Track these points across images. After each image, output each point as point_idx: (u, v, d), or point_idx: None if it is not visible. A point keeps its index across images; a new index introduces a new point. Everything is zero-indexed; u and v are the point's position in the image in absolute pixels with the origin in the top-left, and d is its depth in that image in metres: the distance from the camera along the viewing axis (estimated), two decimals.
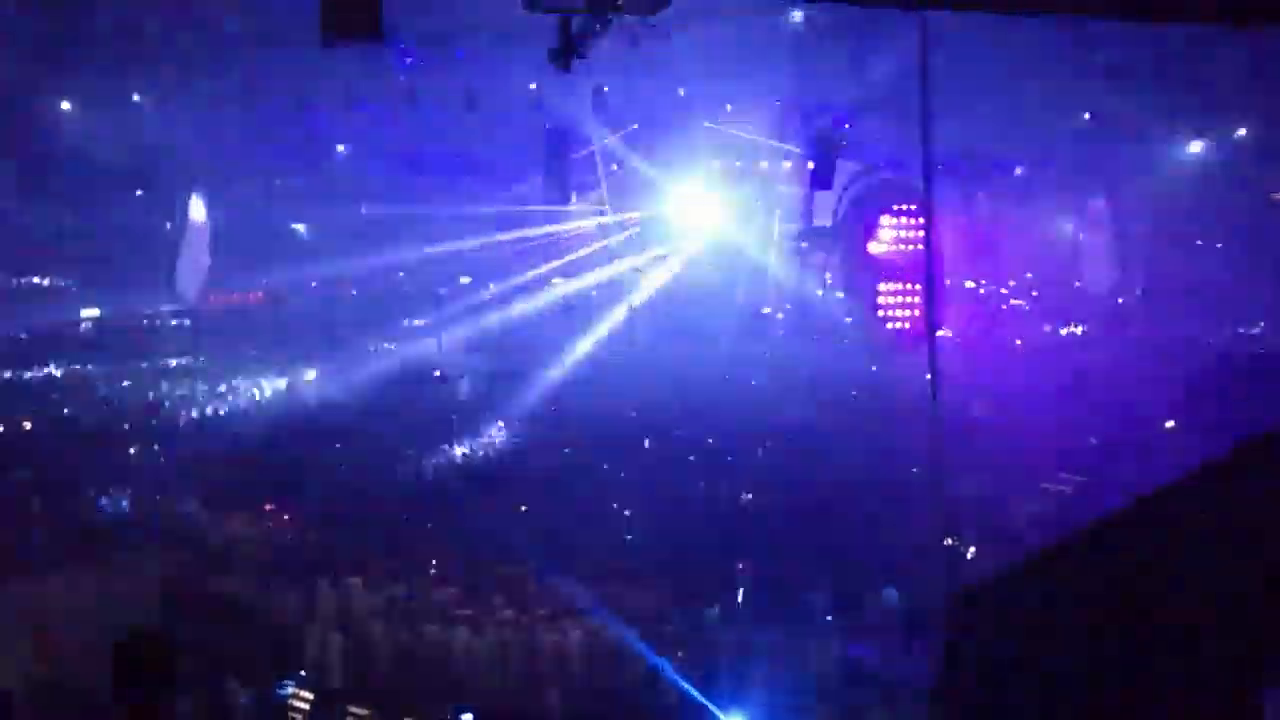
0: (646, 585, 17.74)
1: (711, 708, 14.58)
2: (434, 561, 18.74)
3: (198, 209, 35.46)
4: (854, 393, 32.59)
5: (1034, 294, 49.40)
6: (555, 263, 50.94)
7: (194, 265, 35.63)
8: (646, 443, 27.50)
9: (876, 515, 21.11)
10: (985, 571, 16.38)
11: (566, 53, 10.39)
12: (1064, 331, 43.38)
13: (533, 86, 31.92)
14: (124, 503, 21.66)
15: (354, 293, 53.49)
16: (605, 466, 26.26)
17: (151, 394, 33.55)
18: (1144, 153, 36.56)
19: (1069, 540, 4.89)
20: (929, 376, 14.32)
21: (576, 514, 22.02)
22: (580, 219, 51.83)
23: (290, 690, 15.24)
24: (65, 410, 31.03)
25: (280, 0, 29.89)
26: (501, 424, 30.18)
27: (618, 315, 44.89)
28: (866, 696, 15.15)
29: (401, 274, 54.06)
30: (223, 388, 34.19)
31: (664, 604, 16.97)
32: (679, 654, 15.45)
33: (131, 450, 26.52)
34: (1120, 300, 46.18)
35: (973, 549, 18.37)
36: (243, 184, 52.61)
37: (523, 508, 22.04)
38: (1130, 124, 34.32)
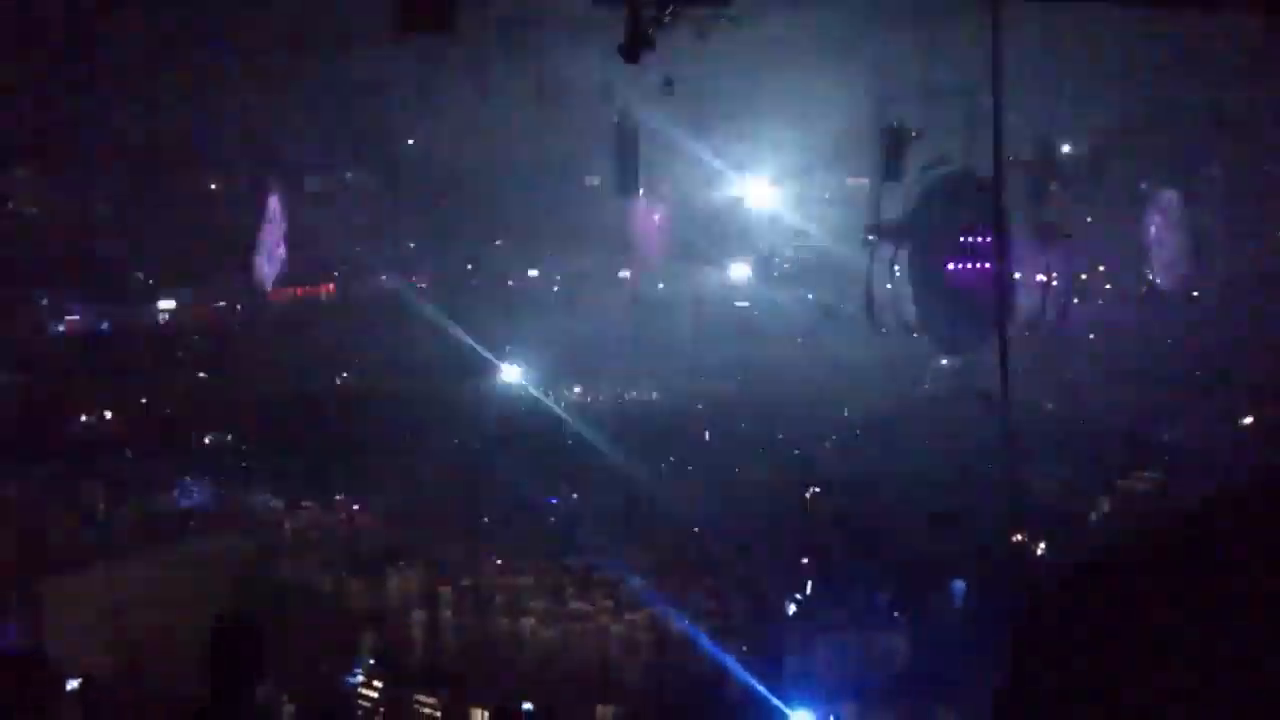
0: (713, 579, 17.67)
1: (776, 702, 14.52)
2: (505, 553, 18.80)
3: (275, 202, 35.98)
4: (925, 386, 32.27)
5: (1107, 287, 48.61)
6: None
7: (270, 258, 36.16)
8: (707, 435, 27.39)
9: (944, 510, 20.88)
10: (1056, 568, 16.14)
11: (635, 45, 10.35)
12: (1137, 325, 42.56)
13: (601, 79, 31.98)
14: (201, 492, 22.03)
15: (422, 286, 54.16)
16: (672, 460, 26.25)
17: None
18: (1218, 143, 35.82)
19: (1145, 538, 4.80)
20: (999, 370, 14.11)
21: (644, 506, 22.03)
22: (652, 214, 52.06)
23: (360, 678, 15.40)
24: (144, 400, 31.60)
25: None
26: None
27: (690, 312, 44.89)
28: (931, 694, 15.01)
29: (469, 266, 54.49)
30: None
31: (731, 597, 16.89)
32: (745, 647, 15.39)
33: (207, 440, 26.95)
34: (1195, 294, 45.27)
35: (1043, 545, 18.10)
36: (318, 177, 53.45)
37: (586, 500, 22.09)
38: (1202, 113, 33.63)
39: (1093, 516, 20.88)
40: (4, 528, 18.51)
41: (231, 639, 4.76)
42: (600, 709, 14.95)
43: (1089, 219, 40.95)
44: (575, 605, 16.76)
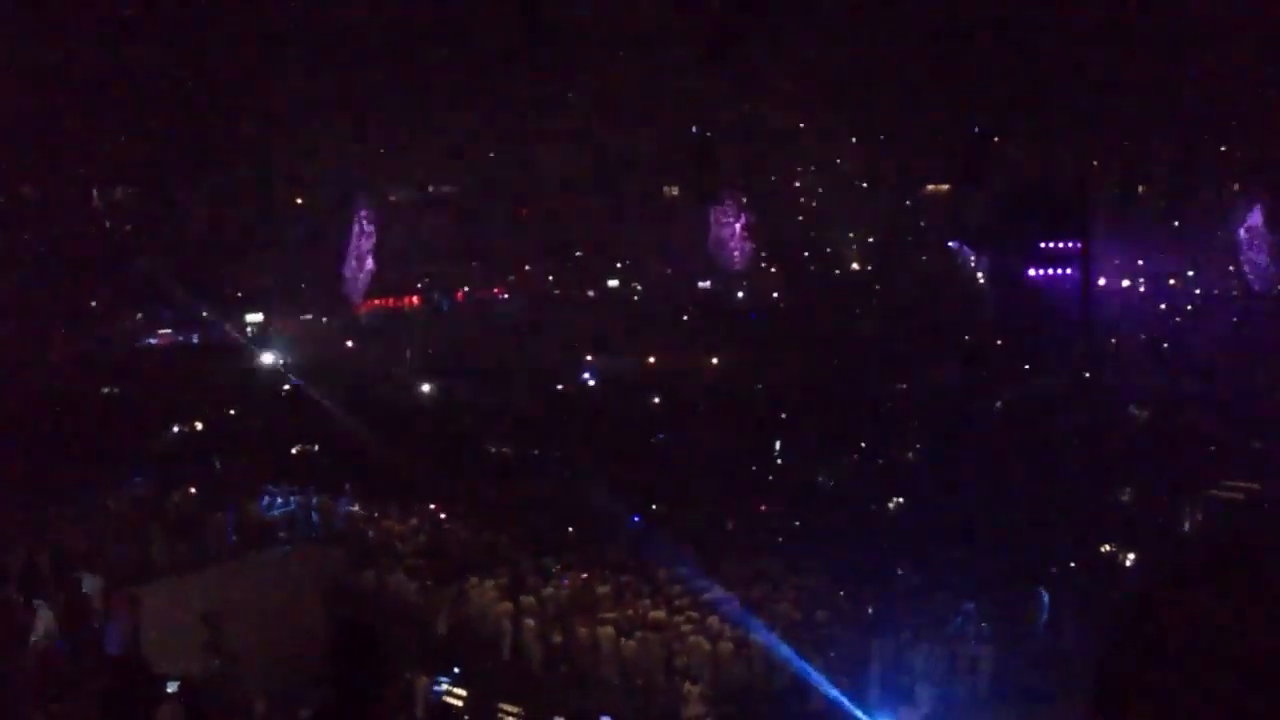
0: (796, 587, 17.61)
1: (859, 714, 14.42)
2: (585, 562, 18.91)
3: (362, 216, 36.59)
4: (1009, 394, 31.88)
5: (1196, 292, 47.61)
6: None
7: (357, 271, 36.76)
8: (777, 445, 27.28)
9: (1034, 519, 20.62)
10: (1148, 579, 15.86)
11: (716, 52, 10.42)
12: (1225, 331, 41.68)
13: (678, 86, 32.15)
14: (289, 501, 22.43)
15: (505, 297, 54.64)
16: (754, 468, 26.24)
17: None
18: None
19: (1237, 549, 4.72)
20: (1086, 376, 13.94)
21: (723, 513, 22.05)
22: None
23: (444, 687, 15.57)
24: (233, 411, 32.28)
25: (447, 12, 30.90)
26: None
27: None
28: (1021, 704, 14.81)
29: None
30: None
31: (814, 605, 16.82)
32: (827, 657, 15.31)
33: (295, 450, 27.46)
34: None
35: (1132, 555, 17.78)
36: (398, 192, 54.27)
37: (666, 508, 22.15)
38: None
39: (1184, 526, 20.45)
40: (103, 537, 19.01)
41: (352, 647, 4.87)
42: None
43: (1176, 222, 40.15)
44: (655, 614, 16.76)
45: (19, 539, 18.56)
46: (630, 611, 16.92)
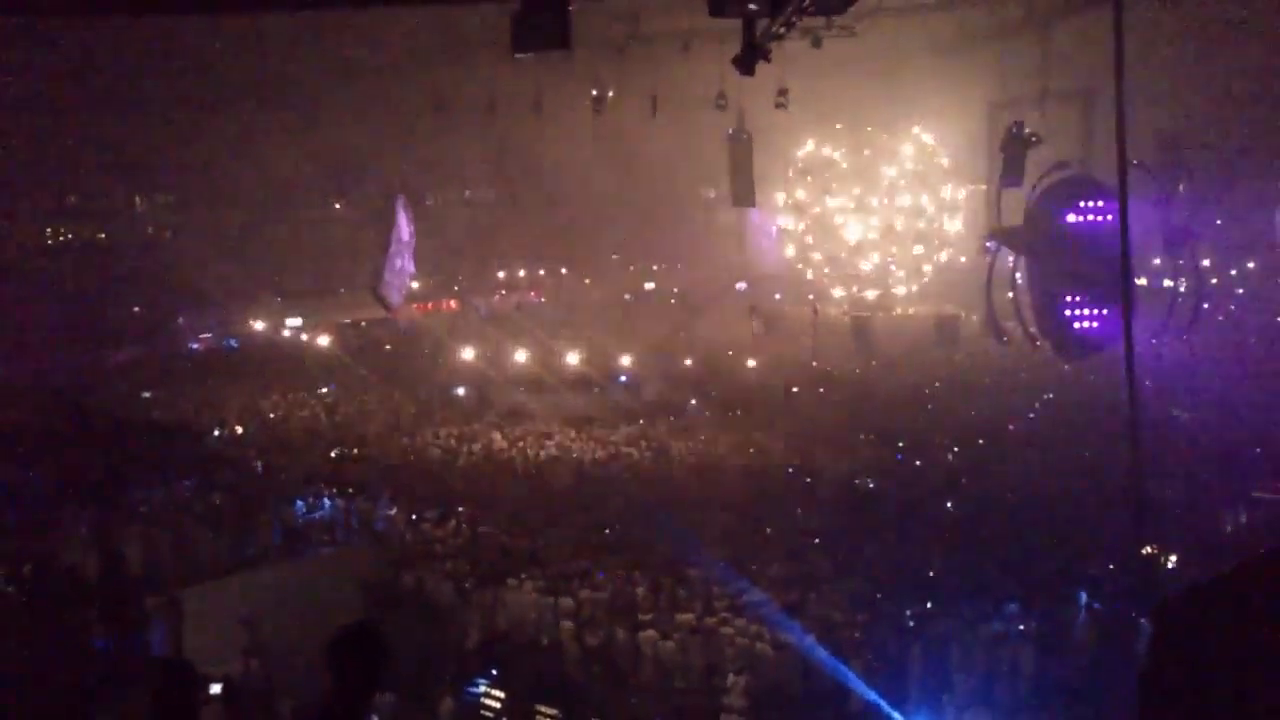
0: (832, 589, 17.56)
1: (897, 717, 14.37)
2: (621, 563, 18.93)
3: (402, 221, 36.78)
4: (1048, 394, 31.65)
5: (1239, 291, 47.06)
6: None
7: (396, 276, 36.97)
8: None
9: (1072, 521, 20.47)
10: (1189, 582, 15.70)
11: (750, 56, 10.40)
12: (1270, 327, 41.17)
13: (715, 91, 32.13)
14: (328, 503, 22.62)
15: (541, 300, 54.86)
16: (789, 469, 26.17)
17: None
18: None
19: None
20: (1126, 377, 13.81)
21: (758, 515, 22.01)
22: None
23: (482, 689, 15.64)
24: (272, 415, 32.57)
25: (470, 16, 31.04)
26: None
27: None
28: (1061, 709, 14.71)
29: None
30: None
31: (850, 608, 16.76)
32: (867, 661, 15.26)
33: (334, 454, 27.67)
34: None
35: (1174, 557, 17.59)
36: (437, 194, 54.62)
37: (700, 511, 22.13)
38: None
39: (1227, 528, 20.22)
40: (146, 539, 19.25)
41: (353, 645, 4.94)
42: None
43: (1219, 221, 39.63)
44: (688, 616, 16.77)
45: (65, 543, 18.89)
46: (669, 614, 16.94)
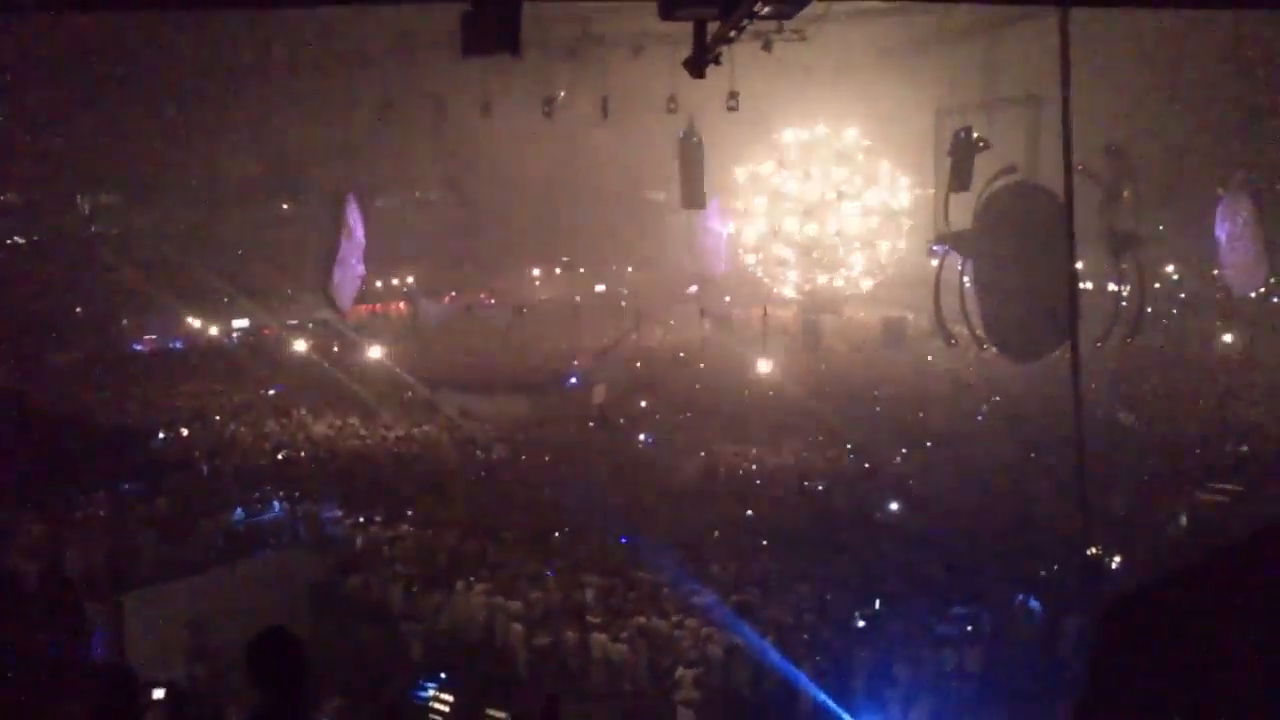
0: (784, 592, 17.62)
1: (847, 717, 14.43)
2: (573, 565, 18.90)
3: (353, 221, 36.46)
4: (995, 398, 31.98)
5: (1181, 296, 47.83)
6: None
7: (347, 277, 36.67)
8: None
9: (1019, 522, 20.69)
10: (1132, 582, 15.91)
11: (701, 59, 10.41)
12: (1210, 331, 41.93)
13: (666, 94, 32.20)
14: (274, 507, 22.39)
15: (491, 302, 54.64)
16: (741, 472, 26.25)
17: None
18: None
19: (1226, 551, 4.73)
20: (1073, 381, 13.97)
21: (711, 519, 22.05)
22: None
23: (431, 692, 15.53)
24: (217, 418, 32.20)
25: (419, 16, 30.87)
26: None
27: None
28: (1006, 710, 14.83)
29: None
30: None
31: (801, 612, 16.83)
32: (816, 663, 15.31)
33: (280, 456, 27.41)
34: (1277, 300, 44.42)
35: (1118, 558, 17.83)
36: (389, 197, 54.24)
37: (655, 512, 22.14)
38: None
39: (1170, 529, 20.53)
40: (88, 543, 18.95)
41: (269, 651, 4.90)
42: None
43: (1160, 226, 40.16)
44: (641, 620, 16.75)
45: (5, 547, 18.54)
46: (619, 616, 16.92)
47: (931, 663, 15.34)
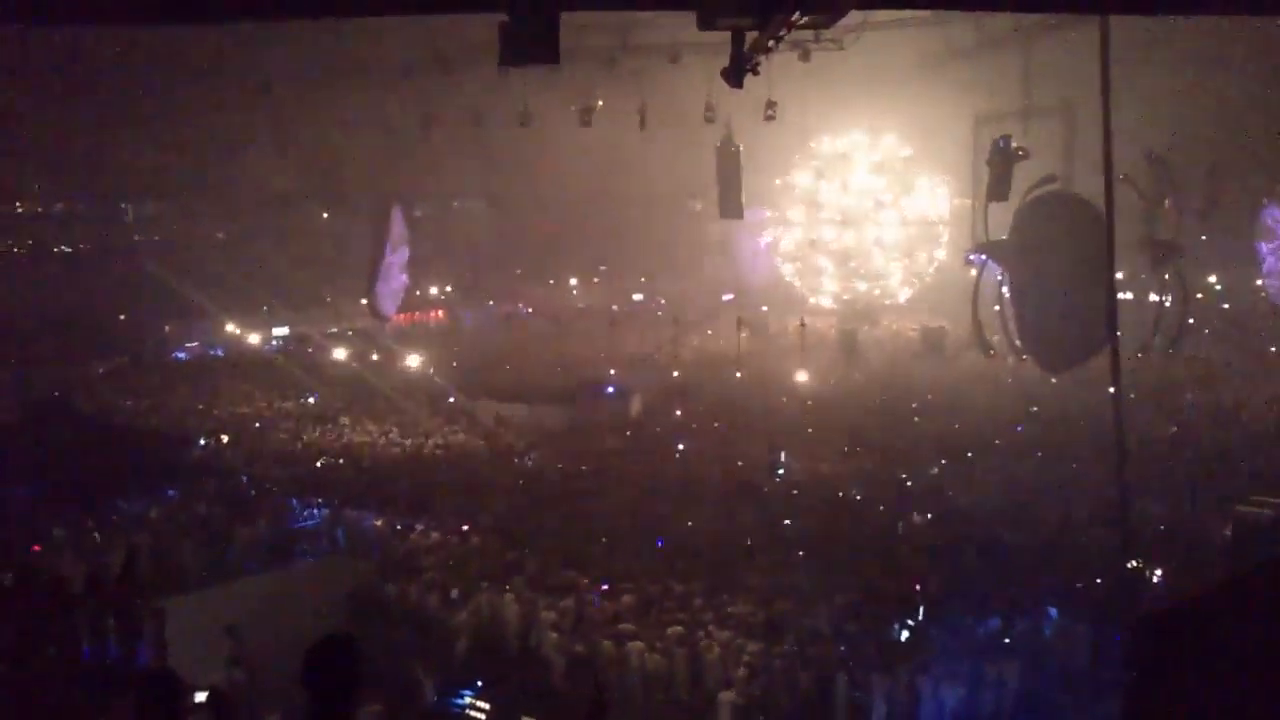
0: (821, 603, 17.55)
1: None
2: (609, 574, 18.91)
3: (398, 229, 36.66)
4: (1033, 408, 31.73)
5: (1224, 306, 47.29)
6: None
7: (389, 285, 36.90)
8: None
9: (1058, 535, 20.52)
10: (1173, 596, 15.75)
11: (739, 69, 10.45)
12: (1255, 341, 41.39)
13: (704, 103, 32.34)
14: (315, 513, 22.58)
15: (529, 311, 54.83)
16: (776, 480, 26.17)
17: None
18: None
19: (1268, 564, 4.71)
20: (1113, 392, 13.88)
21: (746, 529, 22.00)
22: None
23: (467, 699, 15.60)
24: (258, 425, 32.48)
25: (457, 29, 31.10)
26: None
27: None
28: None
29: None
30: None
31: (838, 622, 16.77)
32: (852, 673, 15.27)
33: (319, 463, 27.61)
34: None
35: (1159, 572, 17.65)
36: (428, 206, 54.58)
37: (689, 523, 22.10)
38: None
39: (1213, 543, 20.29)
40: (132, 548, 19.16)
41: (327, 658, 4.93)
42: None
43: (1203, 236, 39.79)
44: (678, 629, 16.73)
45: (51, 552, 18.80)
46: (656, 625, 16.92)
47: (971, 675, 15.25)
